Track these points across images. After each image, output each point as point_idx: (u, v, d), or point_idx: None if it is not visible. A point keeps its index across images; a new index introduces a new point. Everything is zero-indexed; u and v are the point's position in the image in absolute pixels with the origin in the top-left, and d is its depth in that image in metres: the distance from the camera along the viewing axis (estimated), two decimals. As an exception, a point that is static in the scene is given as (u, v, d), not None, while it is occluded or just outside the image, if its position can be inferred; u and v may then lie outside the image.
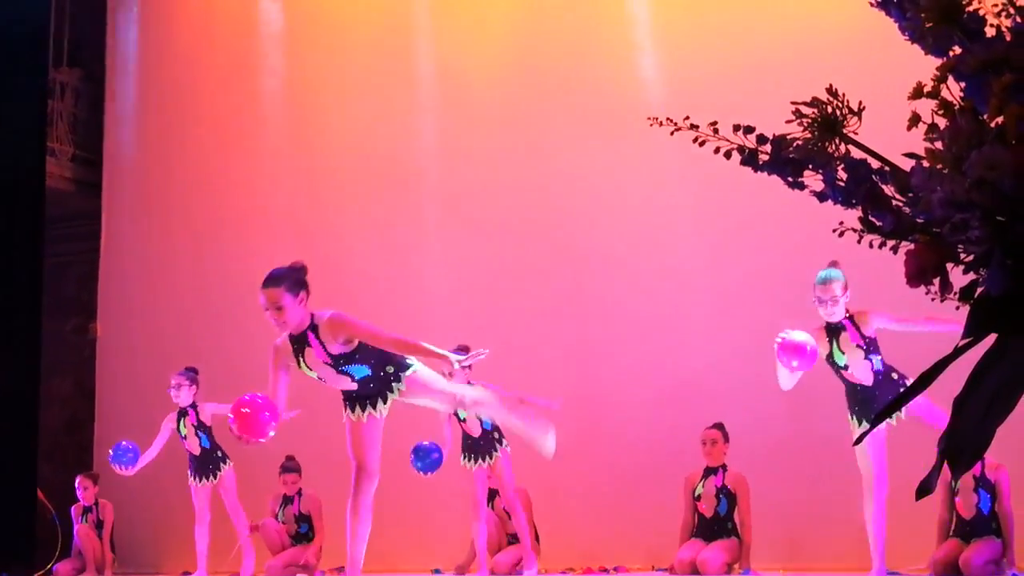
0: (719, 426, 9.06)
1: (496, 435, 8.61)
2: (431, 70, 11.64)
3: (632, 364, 10.29)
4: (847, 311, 6.90)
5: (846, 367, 6.89)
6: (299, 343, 5.93)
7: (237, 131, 12.52)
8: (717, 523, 8.98)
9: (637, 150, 10.18)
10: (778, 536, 9.27)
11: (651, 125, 2.55)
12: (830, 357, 6.92)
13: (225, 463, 9.39)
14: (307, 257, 11.63)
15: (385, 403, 6.03)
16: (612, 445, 10.19)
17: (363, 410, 6.07)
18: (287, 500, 10.41)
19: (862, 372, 6.84)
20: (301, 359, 5.94)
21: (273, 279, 5.84)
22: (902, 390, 6.76)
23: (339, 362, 5.92)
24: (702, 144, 2.39)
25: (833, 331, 6.89)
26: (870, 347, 6.85)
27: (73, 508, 11.17)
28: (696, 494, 9.07)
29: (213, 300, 12.24)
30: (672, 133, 2.47)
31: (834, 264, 6.88)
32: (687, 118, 2.44)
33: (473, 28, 11.49)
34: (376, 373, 6.00)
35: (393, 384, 6.03)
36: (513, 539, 9.64)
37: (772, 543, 9.17)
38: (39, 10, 12.52)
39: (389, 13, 11.93)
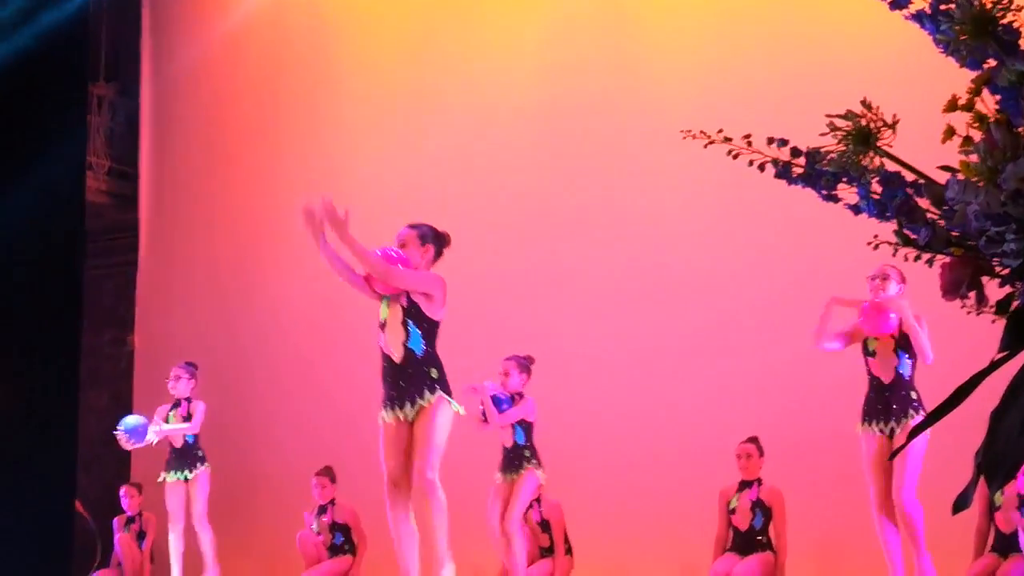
0: (754, 440, 9.03)
1: (527, 453, 8.61)
2: (457, 79, 11.66)
3: (667, 377, 10.27)
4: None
5: (874, 354, 6.93)
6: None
7: (273, 142, 12.57)
8: (752, 537, 8.94)
9: (673, 161, 10.17)
10: (813, 550, 9.23)
11: (684, 138, 2.56)
12: (864, 343, 6.98)
13: (203, 464, 9.45)
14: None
15: (412, 407, 6.20)
16: (646, 458, 10.17)
17: (391, 410, 6.28)
18: (321, 509, 10.42)
19: (885, 366, 6.81)
20: (391, 297, 6.35)
21: (414, 224, 6.52)
22: (914, 405, 6.71)
23: (409, 312, 6.26)
24: (736, 157, 2.39)
25: None
26: (902, 343, 6.80)
27: (116, 519, 11.21)
28: (731, 508, 9.04)
29: (250, 312, 12.29)
30: (705, 146, 2.47)
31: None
32: (720, 131, 2.44)
33: (501, 42, 11.50)
34: (422, 365, 6.23)
35: (425, 390, 6.22)
36: (545, 552, 9.63)
37: (807, 557, 9.14)
38: (76, 25, 12.60)
39: (418, 25, 11.97)
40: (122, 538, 11.12)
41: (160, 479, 9.48)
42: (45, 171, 11.69)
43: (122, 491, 11.17)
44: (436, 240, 6.49)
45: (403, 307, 6.29)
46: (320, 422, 11.41)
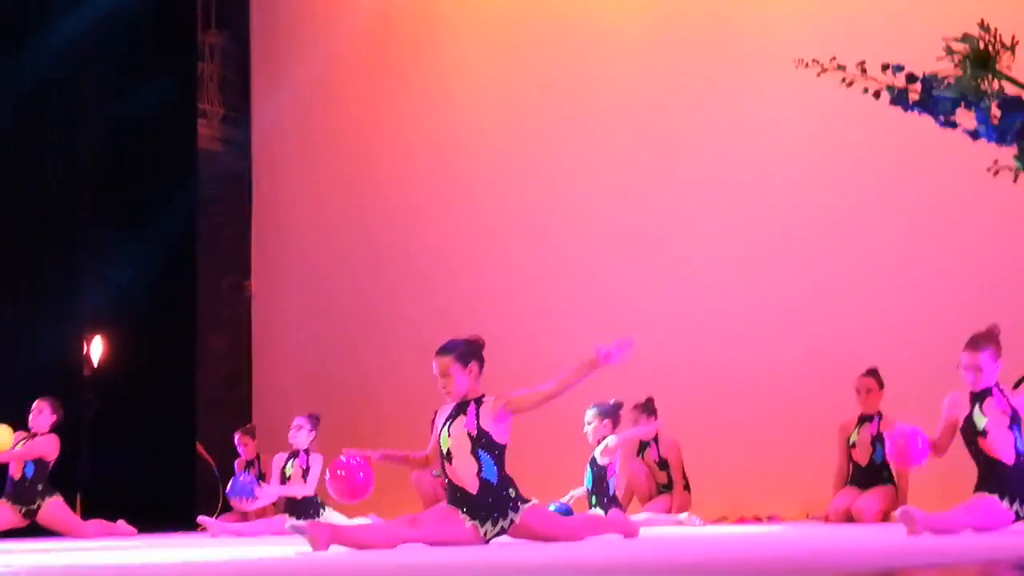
0: (873, 373, 8.91)
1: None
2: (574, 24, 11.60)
3: (786, 312, 10.19)
4: (999, 384, 6.29)
5: (984, 433, 6.19)
6: (458, 410, 5.97)
7: (382, 85, 12.59)
8: (872, 471, 8.85)
9: (788, 91, 10.04)
10: (935, 483, 9.11)
11: (796, 68, 2.51)
12: (968, 421, 6.25)
13: (324, 509, 9.45)
14: (452, 209, 11.73)
15: (495, 527, 5.84)
16: (766, 393, 10.10)
17: (472, 520, 5.86)
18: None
19: (1002, 444, 6.15)
20: (451, 423, 5.95)
21: (444, 349, 5.96)
22: None
23: (479, 440, 5.87)
24: (850, 85, 2.34)
25: (978, 396, 6.27)
26: (1017, 418, 6.17)
27: (236, 462, 11.39)
28: (851, 442, 8.95)
29: (364, 254, 12.38)
30: (818, 75, 2.42)
31: (991, 331, 6.32)
32: (834, 59, 2.39)
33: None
34: (500, 488, 5.88)
35: (509, 511, 5.86)
36: (663, 489, 9.64)
37: (928, 491, 9.02)
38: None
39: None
40: (243, 481, 11.28)
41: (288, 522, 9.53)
42: (156, 119, 11.89)
43: (236, 437, 11.33)
44: (476, 352, 5.97)
45: (469, 435, 5.88)
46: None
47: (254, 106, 13.42)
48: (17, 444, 9.58)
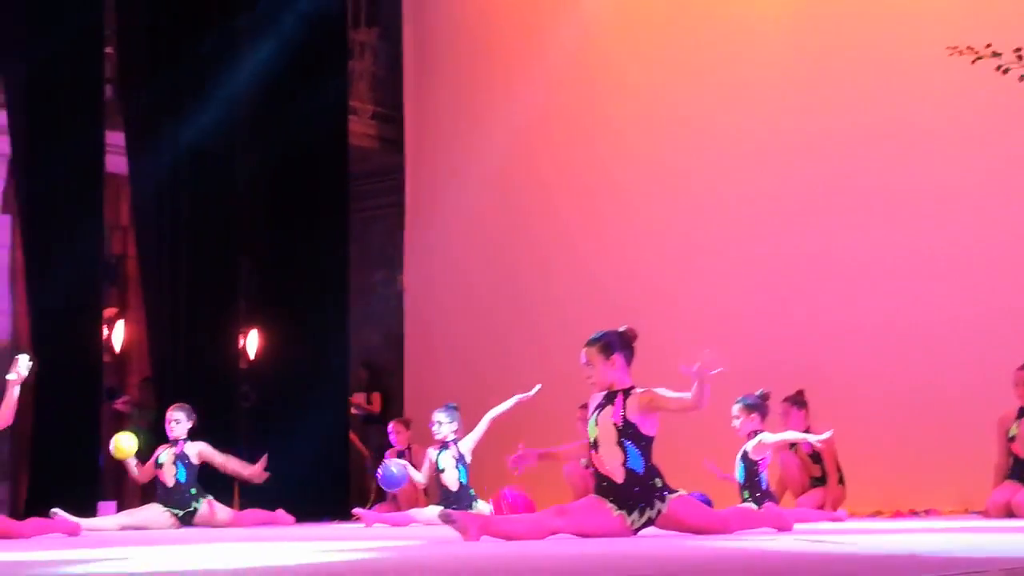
0: (1033, 364, 8.71)
1: None
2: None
3: (945, 304, 10.04)
4: None
5: None
6: (606, 400, 5.97)
7: (535, 80, 12.59)
8: (1033, 465, 8.66)
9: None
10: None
11: (950, 55, 2.47)
12: None
13: (476, 501, 9.45)
14: (604, 203, 11.74)
15: (641, 516, 5.83)
16: (922, 384, 9.95)
17: (619, 510, 5.85)
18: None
19: None
20: (599, 413, 5.96)
21: (591, 340, 5.99)
22: None
23: (625, 431, 5.86)
24: (1005, 72, 2.29)
25: None
26: None
27: (387, 453, 11.51)
28: (1011, 435, 8.75)
29: (516, 248, 12.44)
30: (973, 62, 2.38)
31: None
32: (989, 45, 2.34)
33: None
34: (646, 478, 5.87)
35: (656, 501, 5.85)
36: (816, 482, 9.53)
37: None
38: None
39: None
40: (400, 471, 11.39)
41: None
42: (309, 117, 12.09)
43: (390, 426, 11.44)
44: (622, 344, 5.95)
45: (615, 426, 5.88)
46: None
47: (407, 103, 13.54)
48: (162, 453, 9.79)
